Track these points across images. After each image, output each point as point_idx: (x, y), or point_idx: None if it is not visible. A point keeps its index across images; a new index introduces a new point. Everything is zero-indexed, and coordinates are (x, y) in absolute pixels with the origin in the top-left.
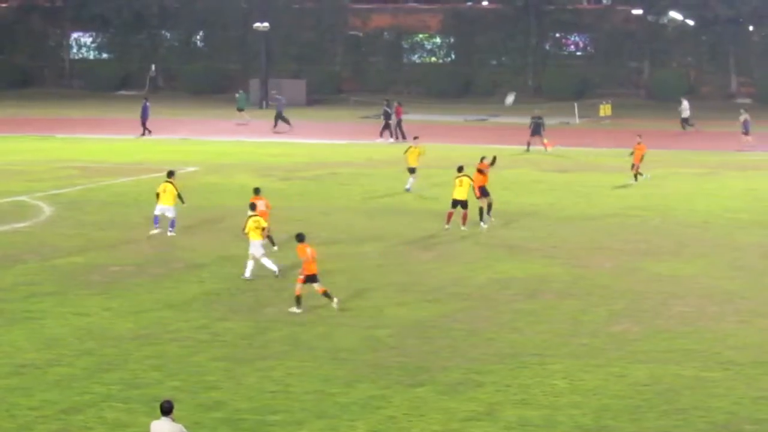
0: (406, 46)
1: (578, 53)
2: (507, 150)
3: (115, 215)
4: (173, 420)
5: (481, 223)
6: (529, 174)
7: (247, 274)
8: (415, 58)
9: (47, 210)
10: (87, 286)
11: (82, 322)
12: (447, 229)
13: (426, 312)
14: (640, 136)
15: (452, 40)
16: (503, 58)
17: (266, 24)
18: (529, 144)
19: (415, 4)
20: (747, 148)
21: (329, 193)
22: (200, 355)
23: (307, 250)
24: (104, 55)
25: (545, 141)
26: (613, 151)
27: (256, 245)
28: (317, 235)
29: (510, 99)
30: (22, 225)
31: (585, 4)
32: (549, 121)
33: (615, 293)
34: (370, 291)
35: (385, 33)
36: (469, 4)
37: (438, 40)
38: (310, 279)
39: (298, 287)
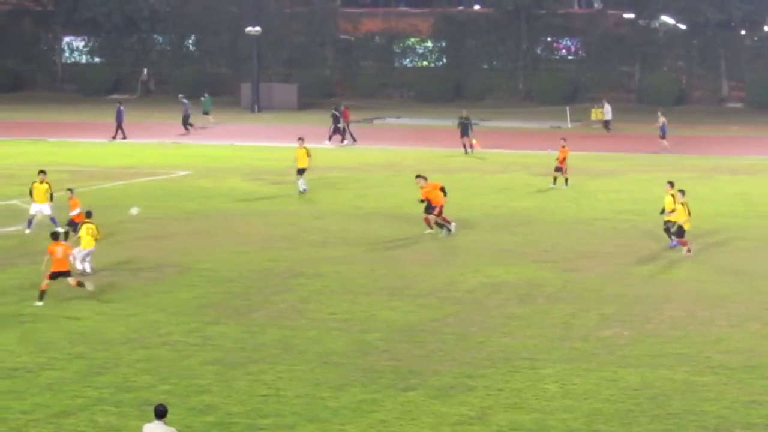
0: (397, 50)
1: (569, 57)
2: (502, 154)
3: (106, 219)
4: (166, 423)
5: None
6: (521, 178)
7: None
8: (407, 62)
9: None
10: (79, 289)
11: (74, 325)
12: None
13: (417, 316)
14: (564, 139)
15: (443, 44)
16: (494, 62)
17: (258, 28)
18: (465, 146)
19: (406, 8)
20: (664, 151)
21: (320, 196)
22: (192, 358)
23: (59, 249)
24: (96, 59)
25: (474, 141)
26: (605, 155)
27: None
28: (308, 239)
29: (134, 211)
30: (13, 229)
31: (576, 8)
32: (540, 125)
33: (606, 297)
34: (361, 295)
35: (377, 37)
36: (460, 8)
37: (429, 44)
38: (61, 275)
39: (45, 283)
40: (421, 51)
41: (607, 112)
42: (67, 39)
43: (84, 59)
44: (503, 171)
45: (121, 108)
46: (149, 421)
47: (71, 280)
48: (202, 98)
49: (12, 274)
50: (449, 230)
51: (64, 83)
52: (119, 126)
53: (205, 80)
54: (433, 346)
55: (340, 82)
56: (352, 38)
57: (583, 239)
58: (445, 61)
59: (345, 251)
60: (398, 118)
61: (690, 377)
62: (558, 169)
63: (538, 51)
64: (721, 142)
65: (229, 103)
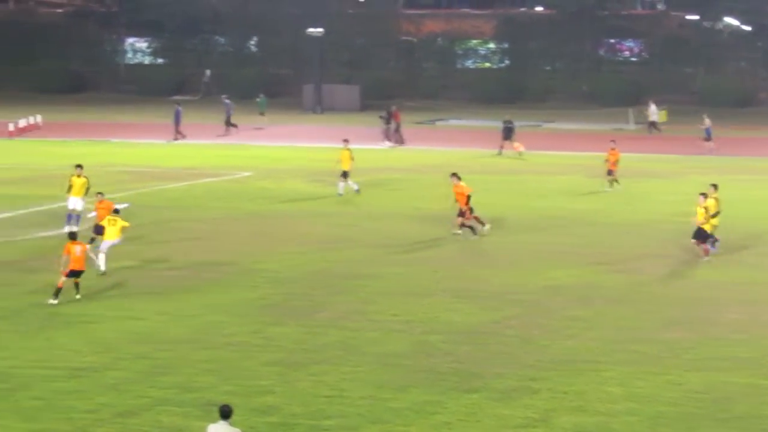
0: (459, 51)
1: (632, 59)
2: (565, 156)
3: (168, 220)
4: (231, 424)
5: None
6: (580, 180)
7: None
8: (469, 63)
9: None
10: (142, 290)
11: (138, 326)
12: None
13: (479, 318)
14: (613, 141)
15: (506, 45)
16: (557, 64)
17: (320, 29)
18: (501, 148)
19: (468, 10)
20: (708, 153)
21: (380, 198)
22: (254, 359)
23: (77, 248)
24: (158, 60)
25: (515, 144)
26: (667, 156)
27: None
28: (369, 240)
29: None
30: (76, 229)
31: (639, 9)
32: (602, 127)
33: (667, 300)
34: (423, 296)
35: (439, 39)
36: (523, 9)
37: (492, 45)
38: (78, 274)
39: (61, 280)
40: (483, 52)
41: (652, 113)
42: (129, 40)
43: (146, 60)
44: (564, 173)
45: (179, 109)
46: (212, 421)
47: (76, 278)
48: (257, 99)
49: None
50: (474, 232)
51: (126, 84)
52: (176, 127)
53: (267, 81)
54: (496, 349)
55: (401, 84)
56: (414, 39)
57: (642, 242)
58: (507, 62)
59: (405, 253)
60: (459, 119)
61: (754, 380)
62: (609, 173)
63: (601, 52)
64: None
65: (291, 104)
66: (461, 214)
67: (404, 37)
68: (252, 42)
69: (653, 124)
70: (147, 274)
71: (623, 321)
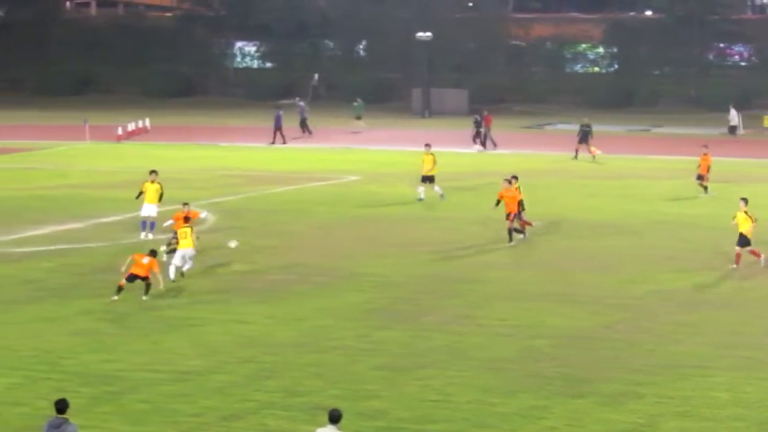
0: (568, 55)
1: (741, 63)
2: (673, 160)
3: (276, 223)
4: (339, 429)
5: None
6: (691, 185)
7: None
8: (578, 67)
9: (210, 218)
10: (248, 293)
11: (244, 329)
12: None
13: (586, 322)
14: (706, 146)
15: (615, 50)
16: (665, 68)
17: (428, 33)
18: (577, 151)
19: (577, 14)
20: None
21: (488, 203)
22: (361, 363)
23: (145, 259)
24: (267, 64)
25: (592, 149)
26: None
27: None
28: (476, 244)
29: (232, 244)
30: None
31: (749, 14)
32: (711, 131)
33: None
34: (529, 301)
35: (548, 43)
36: (632, 14)
37: (600, 49)
38: (137, 278)
39: (122, 281)
40: (591, 57)
41: (732, 117)
42: (238, 44)
43: (255, 64)
44: (672, 177)
45: (280, 113)
46: (319, 425)
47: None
48: (354, 103)
49: (179, 279)
50: (524, 235)
51: (235, 88)
52: (277, 130)
53: (375, 85)
54: (603, 353)
55: (510, 88)
56: (523, 44)
57: (753, 247)
58: (615, 67)
59: (512, 257)
60: (568, 124)
61: None
62: (699, 177)
63: (710, 57)
64: None
65: (400, 108)
66: (512, 218)
67: (513, 41)
68: (361, 46)
69: (733, 129)
70: (254, 278)
71: (730, 326)
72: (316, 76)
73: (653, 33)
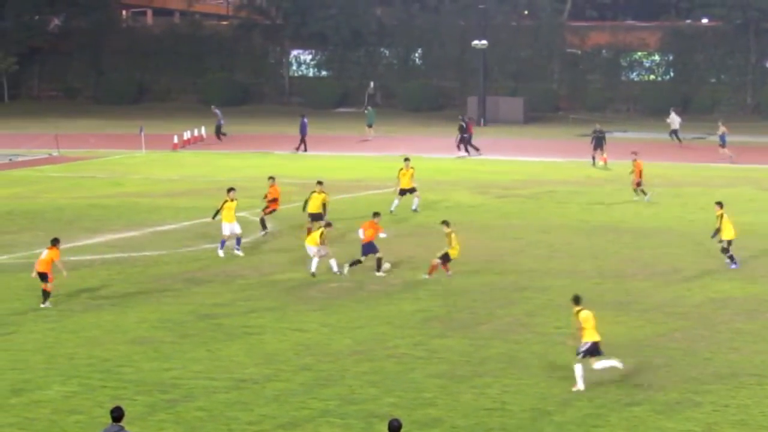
0: (624, 63)
1: None
2: (730, 168)
3: (333, 232)
4: None
5: None
6: (748, 193)
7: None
8: (634, 75)
9: (267, 226)
10: (305, 301)
11: (301, 337)
12: None
13: (643, 331)
14: (635, 153)
15: (671, 57)
16: (722, 76)
17: (484, 42)
18: (594, 158)
19: (633, 22)
20: (725, 161)
21: (547, 210)
22: (417, 371)
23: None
24: (323, 73)
25: (604, 155)
26: None
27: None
28: (534, 253)
29: (386, 266)
30: (244, 240)
31: None
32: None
33: None
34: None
35: (603, 51)
36: (688, 21)
37: (656, 57)
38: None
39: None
40: (648, 64)
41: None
42: (294, 52)
43: (311, 72)
44: (730, 185)
45: (305, 120)
46: None
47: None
48: (366, 111)
49: (240, 286)
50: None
51: (291, 96)
52: (303, 138)
53: (431, 94)
54: (659, 362)
55: (566, 96)
56: (579, 52)
57: None
58: (672, 74)
59: (570, 265)
60: (625, 132)
61: None
62: (638, 184)
63: (767, 64)
64: None
65: (455, 116)
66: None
67: (569, 49)
68: (416, 54)
69: (675, 132)
70: (310, 286)
71: None
72: (372, 84)
73: (710, 40)
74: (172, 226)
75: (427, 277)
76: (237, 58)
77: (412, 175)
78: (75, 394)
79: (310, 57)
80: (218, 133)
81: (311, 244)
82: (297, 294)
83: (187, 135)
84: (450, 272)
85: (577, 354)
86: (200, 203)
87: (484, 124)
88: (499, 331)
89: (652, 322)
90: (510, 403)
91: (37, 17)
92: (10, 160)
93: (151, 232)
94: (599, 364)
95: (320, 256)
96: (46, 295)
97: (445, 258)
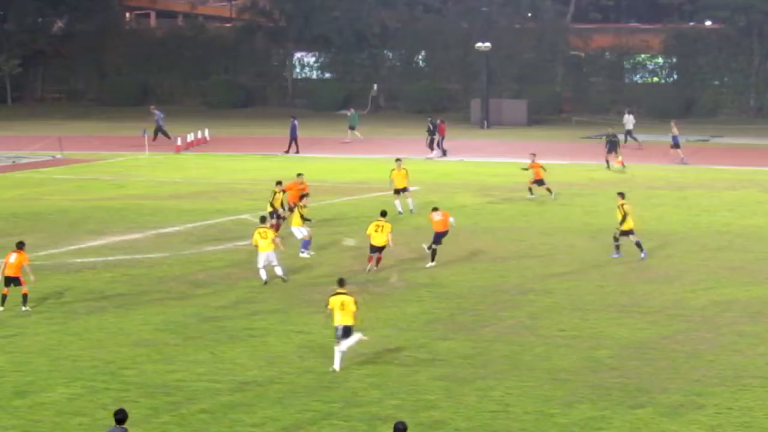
0: (627, 66)
1: None
2: (733, 171)
3: (334, 234)
4: None
5: None
6: (752, 195)
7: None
8: (637, 78)
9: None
10: (309, 304)
11: (304, 339)
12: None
13: (647, 333)
14: (534, 154)
15: (674, 60)
16: (725, 79)
17: (487, 44)
18: (608, 162)
19: (636, 24)
20: (675, 161)
21: (550, 213)
22: (420, 374)
23: (11, 257)
24: (326, 75)
25: (619, 158)
26: None
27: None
28: (537, 255)
29: (350, 242)
30: (244, 243)
31: None
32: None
33: None
34: (590, 312)
35: (607, 53)
36: (692, 24)
37: (660, 60)
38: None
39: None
40: (651, 67)
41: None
42: (298, 55)
43: (314, 75)
44: (733, 188)
45: (295, 122)
46: None
47: None
48: (348, 113)
49: (243, 288)
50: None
51: (294, 99)
52: (293, 139)
53: (434, 96)
54: (663, 364)
55: (569, 99)
56: (582, 54)
57: None
58: (675, 77)
59: (574, 268)
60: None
61: None
62: (540, 183)
63: None
64: None
65: (459, 118)
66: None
67: (572, 52)
68: (420, 57)
69: (629, 133)
70: (313, 289)
71: None
72: (376, 86)
73: (713, 43)
74: (176, 229)
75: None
76: (240, 61)
77: (405, 175)
78: (78, 396)
79: (313, 59)
80: (156, 133)
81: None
82: (300, 296)
83: (190, 137)
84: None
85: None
86: (203, 205)
87: (488, 127)
88: (503, 334)
89: (655, 324)
90: (513, 405)
91: (40, 20)
92: (14, 162)
93: (154, 235)
94: (343, 344)
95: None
96: (24, 297)
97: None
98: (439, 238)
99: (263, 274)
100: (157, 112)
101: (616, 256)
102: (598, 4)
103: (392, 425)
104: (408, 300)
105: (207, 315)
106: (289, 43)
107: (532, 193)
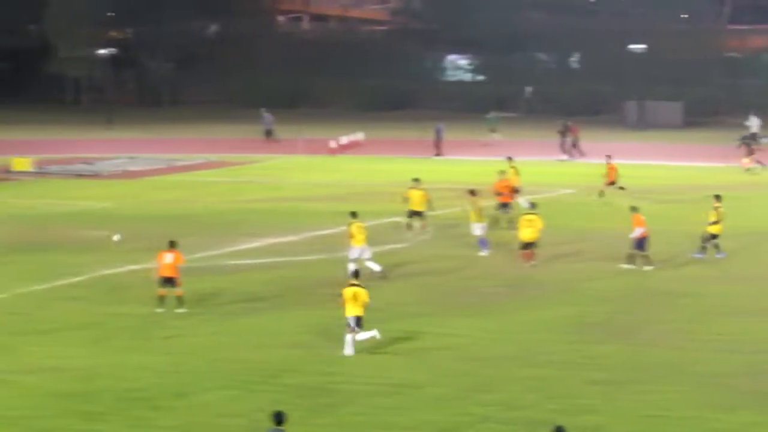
0: None
1: None
2: None
3: (491, 236)
4: None
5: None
6: None
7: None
8: None
9: (430, 231)
10: (462, 306)
11: (460, 342)
12: None
13: None
14: (609, 156)
15: None
16: None
17: (643, 45)
18: (759, 162)
19: None
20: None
21: (697, 215)
22: (577, 377)
23: (168, 257)
24: (479, 77)
25: (745, 160)
26: None
27: (356, 250)
28: (691, 259)
29: (116, 237)
30: (400, 246)
31: None
32: None
33: None
34: (748, 316)
35: (764, 54)
36: None
37: None
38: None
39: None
40: None
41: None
42: (450, 57)
43: (467, 77)
44: None
45: (441, 126)
46: None
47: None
48: (487, 116)
49: (398, 290)
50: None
51: (446, 101)
52: (438, 143)
53: (588, 98)
54: None
55: (725, 101)
56: (739, 55)
57: None
58: None
59: (729, 272)
60: None
61: None
62: (611, 183)
63: None
64: None
65: (612, 121)
66: None
67: (728, 53)
68: (574, 58)
69: (754, 136)
70: (468, 291)
71: None
72: (529, 89)
73: None
74: (331, 231)
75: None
76: (392, 63)
77: (516, 174)
78: (236, 397)
79: (466, 62)
80: (268, 135)
81: (358, 244)
82: (455, 299)
83: (344, 140)
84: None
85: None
86: (358, 207)
87: (642, 129)
88: (659, 338)
89: None
90: (672, 410)
91: (194, 23)
92: (169, 164)
93: (309, 237)
94: (360, 335)
95: (364, 258)
96: (179, 299)
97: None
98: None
99: (353, 267)
100: (266, 114)
101: (698, 256)
102: (756, 5)
103: (551, 429)
104: (563, 303)
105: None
106: (441, 45)
107: (601, 196)
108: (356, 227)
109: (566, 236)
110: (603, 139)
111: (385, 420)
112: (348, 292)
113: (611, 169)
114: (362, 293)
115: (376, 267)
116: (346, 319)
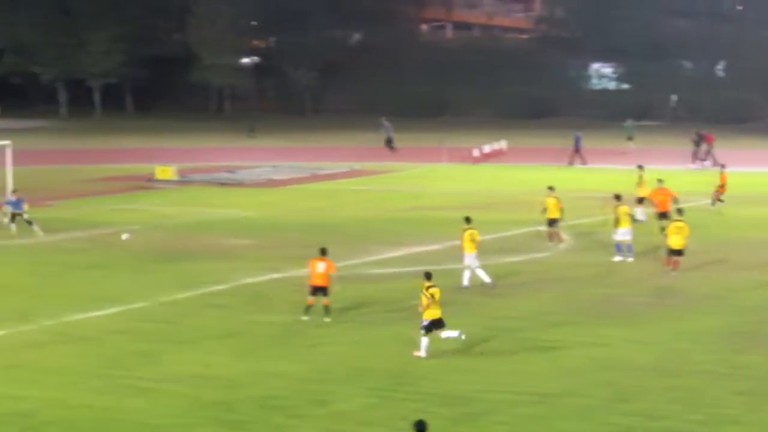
0: None
1: None
2: None
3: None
4: None
5: None
6: None
7: (465, 282)
8: None
9: (567, 239)
10: (604, 316)
11: (601, 352)
12: None
13: None
14: (723, 166)
15: None
16: None
17: None
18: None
19: None
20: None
21: None
22: (720, 388)
23: (320, 266)
24: (623, 85)
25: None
26: None
27: (470, 257)
28: None
29: (125, 236)
30: (542, 255)
31: None
32: None
33: None
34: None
35: None
36: None
37: None
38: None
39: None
40: None
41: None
42: (594, 65)
43: (611, 86)
44: None
45: (579, 134)
46: None
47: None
48: (625, 124)
49: (540, 300)
50: None
51: (590, 109)
52: (577, 151)
53: (734, 107)
54: None
55: None
56: None
57: None
58: None
59: None
60: None
61: None
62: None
63: None
64: None
65: (758, 129)
66: None
67: None
68: (719, 66)
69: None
70: (610, 300)
71: None
72: (674, 97)
73: None
74: None
75: None
76: (535, 72)
77: (642, 183)
78: (376, 406)
79: (610, 70)
80: (388, 144)
81: (470, 251)
82: (597, 308)
83: (487, 148)
84: None
85: (421, 329)
86: (499, 217)
87: None
88: None
89: None
90: None
91: (337, 32)
92: (312, 173)
93: (451, 246)
94: (444, 333)
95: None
96: (326, 308)
97: None
98: None
99: (468, 275)
100: (386, 123)
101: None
102: None
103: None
104: (707, 312)
105: (503, 326)
106: (585, 54)
107: (714, 205)
108: (469, 234)
109: (708, 245)
110: (749, 147)
111: (528, 429)
112: (437, 293)
113: (724, 178)
114: (438, 293)
115: (486, 278)
116: (424, 321)
